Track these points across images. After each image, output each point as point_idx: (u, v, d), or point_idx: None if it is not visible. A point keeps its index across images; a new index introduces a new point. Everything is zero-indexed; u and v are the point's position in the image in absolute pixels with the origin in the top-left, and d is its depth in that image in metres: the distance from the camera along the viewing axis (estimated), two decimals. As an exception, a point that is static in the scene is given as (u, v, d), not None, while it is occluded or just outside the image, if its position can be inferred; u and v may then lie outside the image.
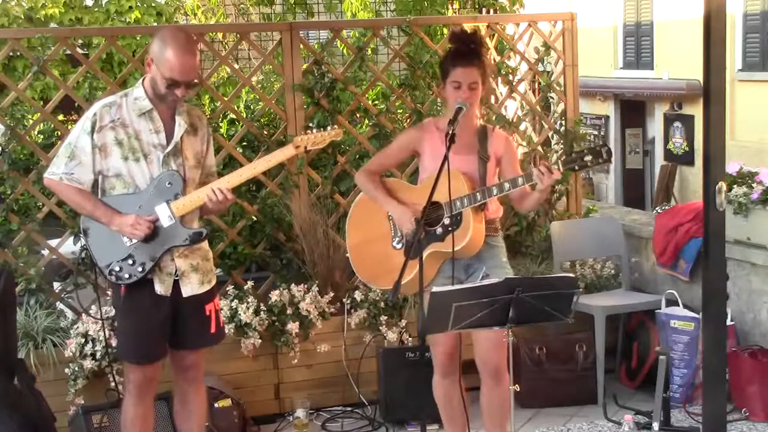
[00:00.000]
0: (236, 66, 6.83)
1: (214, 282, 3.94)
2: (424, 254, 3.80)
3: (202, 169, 3.88)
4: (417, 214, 3.80)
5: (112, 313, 4.17)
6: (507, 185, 3.81)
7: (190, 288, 3.81)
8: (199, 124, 3.89)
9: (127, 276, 3.71)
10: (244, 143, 6.07)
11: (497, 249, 4.01)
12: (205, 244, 3.91)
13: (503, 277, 3.59)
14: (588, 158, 3.68)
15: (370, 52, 7.82)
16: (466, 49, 3.92)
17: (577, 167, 3.72)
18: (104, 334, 4.56)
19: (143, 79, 3.78)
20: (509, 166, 4.02)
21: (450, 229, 3.83)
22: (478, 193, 3.82)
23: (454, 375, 4.03)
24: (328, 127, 4.02)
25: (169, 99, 3.70)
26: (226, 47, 8.46)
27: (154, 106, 3.73)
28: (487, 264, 3.94)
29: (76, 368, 4.70)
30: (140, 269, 3.71)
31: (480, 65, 3.91)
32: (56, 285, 5.37)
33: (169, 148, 3.74)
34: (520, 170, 4.05)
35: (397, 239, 4.01)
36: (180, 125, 3.77)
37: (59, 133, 5.83)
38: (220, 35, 9.00)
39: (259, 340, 5.02)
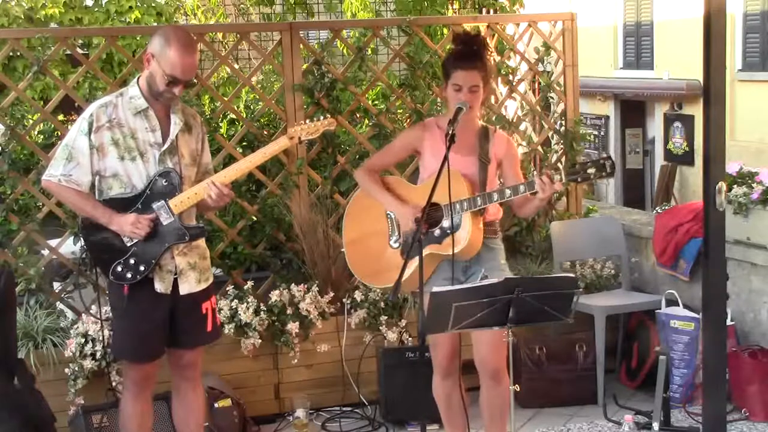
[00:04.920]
0: (236, 66, 6.83)
1: (211, 281, 3.95)
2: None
3: (198, 168, 3.89)
4: (418, 213, 3.79)
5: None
6: (508, 192, 3.77)
7: (188, 286, 3.81)
8: (194, 123, 3.90)
9: (129, 276, 3.71)
10: (244, 143, 6.06)
11: (496, 251, 4.00)
12: (202, 243, 3.91)
13: (503, 278, 3.59)
14: (591, 171, 3.64)
15: (370, 52, 7.81)
16: (469, 51, 3.88)
17: (579, 179, 3.68)
18: (104, 334, 4.56)
19: (138, 78, 3.78)
20: (510, 170, 4.00)
21: (448, 231, 3.82)
22: (478, 198, 3.79)
23: (454, 375, 4.03)
24: (321, 117, 4.04)
25: (166, 96, 3.69)
26: (226, 47, 8.45)
27: (150, 105, 3.73)
28: (486, 266, 3.92)
29: (76, 368, 4.69)
30: (142, 268, 3.71)
31: (482, 68, 3.87)
32: (56, 285, 5.37)
33: (166, 146, 3.74)
34: (521, 173, 4.05)
35: (395, 238, 4.00)
36: (176, 123, 3.77)
37: (59, 133, 5.83)
38: (220, 35, 9.00)
39: (259, 340, 5.02)
